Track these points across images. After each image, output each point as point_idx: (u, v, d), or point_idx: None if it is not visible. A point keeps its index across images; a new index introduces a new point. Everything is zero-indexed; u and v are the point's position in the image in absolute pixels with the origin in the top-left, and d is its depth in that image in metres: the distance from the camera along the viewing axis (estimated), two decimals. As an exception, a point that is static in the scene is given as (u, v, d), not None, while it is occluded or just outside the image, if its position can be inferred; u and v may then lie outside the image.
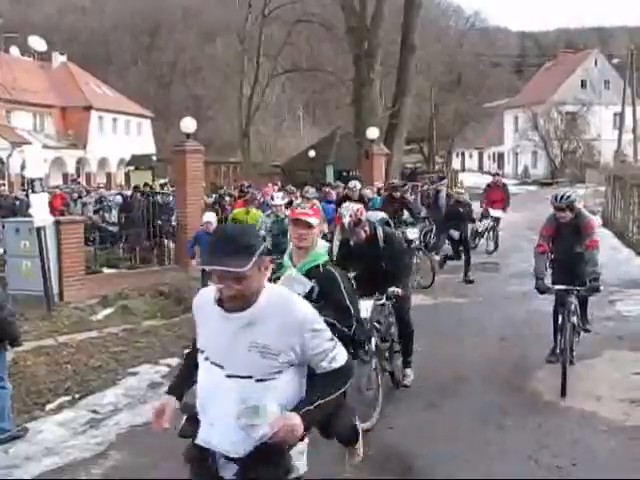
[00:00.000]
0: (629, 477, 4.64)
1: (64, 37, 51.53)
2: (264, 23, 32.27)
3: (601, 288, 6.31)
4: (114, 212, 15.62)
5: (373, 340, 5.61)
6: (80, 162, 43.99)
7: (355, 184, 12.95)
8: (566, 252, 6.69)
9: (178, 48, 58.40)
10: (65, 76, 44.90)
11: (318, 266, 4.28)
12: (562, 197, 6.63)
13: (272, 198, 9.12)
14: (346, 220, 5.70)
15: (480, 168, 60.68)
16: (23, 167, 11.46)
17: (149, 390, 6.79)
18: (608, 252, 15.27)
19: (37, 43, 28.32)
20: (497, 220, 15.34)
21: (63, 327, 8.99)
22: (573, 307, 6.55)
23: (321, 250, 4.36)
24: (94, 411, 6.17)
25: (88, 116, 44.15)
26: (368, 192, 14.10)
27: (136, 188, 16.67)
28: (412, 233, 11.73)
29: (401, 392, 6.38)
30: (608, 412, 5.78)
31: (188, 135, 13.17)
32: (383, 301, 5.79)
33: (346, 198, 12.22)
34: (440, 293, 11.22)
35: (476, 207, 19.00)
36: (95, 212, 16.44)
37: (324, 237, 13.82)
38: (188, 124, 13.09)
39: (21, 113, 39.21)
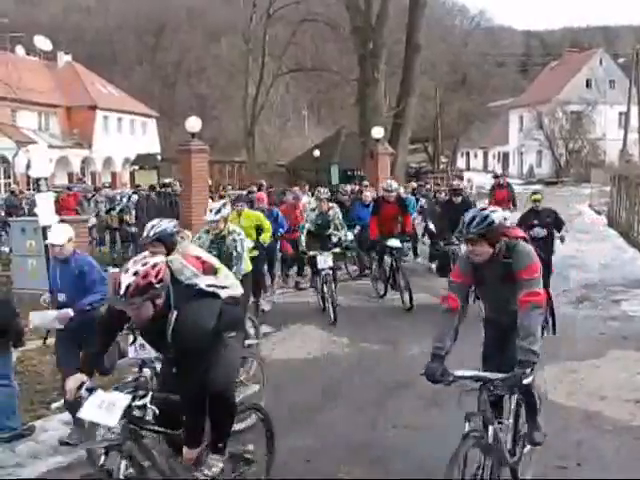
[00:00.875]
0: (635, 477, 4.63)
1: (69, 37, 51.59)
2: (269, 23, 32.28)
3: (526, 381, 3.78)
4: (133, 212, 15.58)
5: (122, 464, 3.56)
6: (85, 161, 44.11)
7: (391, 183, 10.79)
8: (497, 310, 4.35)
9: (183, 48, 58.48)
10: (70, 76, 45.02)
11: None
12: (471, 221, 3.95)
13: (210, 211, 6.85)
14: (125, 281, 3.43)
15: (485, 168, 60.60)
16: (29, 166, 11.47)
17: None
18: (613, 252, 15.30)
19: (42, 43, 28.35)
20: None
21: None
22: (509, 409, 4.24)
23: None
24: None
25: (93, 115, 44.26)
26: (401, 190, 12.97)
27: (152, 188, 16.56)
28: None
29: (403, 390, 6.38)
30: (613, 412, 5.77)
31: (193, 135, 13.18)
32: (145, 403, 3.61)
33: (382, 200, 10.70)
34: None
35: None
36: (107, 212, 16.39)
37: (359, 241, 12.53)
38: (193, 124, 13.09)
39: (26, 112, 39.34)
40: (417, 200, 16.43)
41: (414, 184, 18.87)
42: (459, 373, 3.97)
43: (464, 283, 4.20)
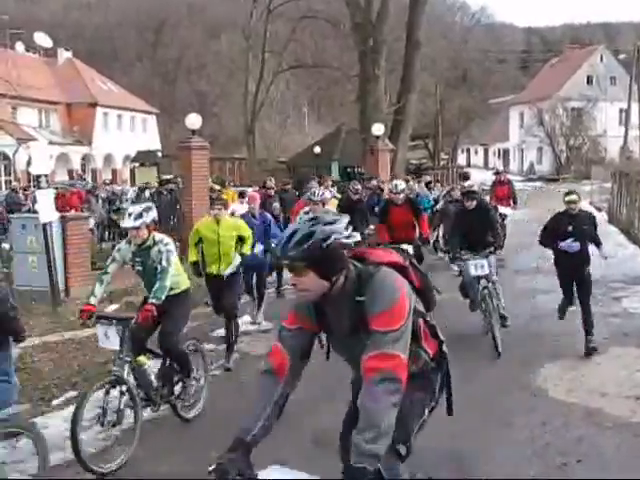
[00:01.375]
0: (635, 474, 4.63)
1: (69, 33, 51.57)
2: (269, 19, 32.27)
3: None
4: None
5: None
6: (85, 158, 44.07)
7: (396, 184, 9.73)
8: (356, 369, 3.04)
9: (183, 44, 58.46)
10: (70, 72, 44.94)
11: None
12: (290, 239, 2.63)
13: (129, 216, 5.56)
14: None
15: (485, 164, 60.57)
16: (29, 163, 11.48)
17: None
18: (614, 249, 15.26)
19: (42, 39, 28.31)
20: (504, 217, 15.26)
21: (69, 323, 9.01)
22: None
23: None
24: (100, 407, 6.18)
25: (93, 112, 44.19)
26: (416, 187, 12.34)
27: (161, 184, 16.53)
28: (477, 268, 7.64)
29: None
30: (614, 409, 5.77)
31: (193, 131, 13.19)
32: None
33: (390, 204, 9.71)
34: (444, 289, 11.17)
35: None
36: (116, 210, 16.32)
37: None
38: (193, 120, 13.10)
39: (26, 109, 39.27)
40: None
41: (428, 177, 18.56)
42: (264, 475, 2.54)
43: (303, 330, 2.88)
